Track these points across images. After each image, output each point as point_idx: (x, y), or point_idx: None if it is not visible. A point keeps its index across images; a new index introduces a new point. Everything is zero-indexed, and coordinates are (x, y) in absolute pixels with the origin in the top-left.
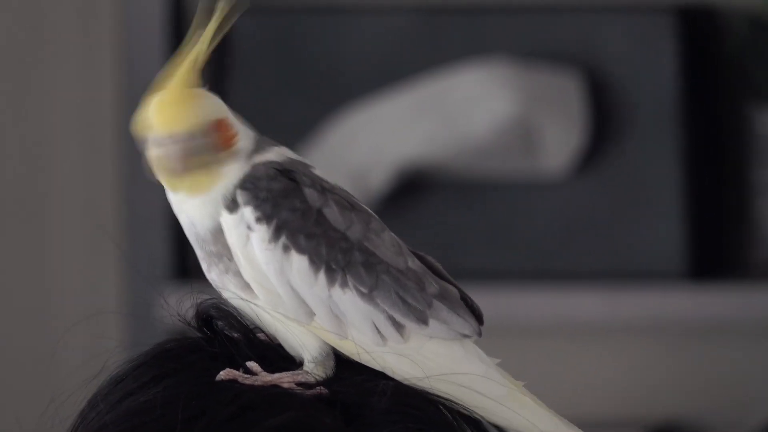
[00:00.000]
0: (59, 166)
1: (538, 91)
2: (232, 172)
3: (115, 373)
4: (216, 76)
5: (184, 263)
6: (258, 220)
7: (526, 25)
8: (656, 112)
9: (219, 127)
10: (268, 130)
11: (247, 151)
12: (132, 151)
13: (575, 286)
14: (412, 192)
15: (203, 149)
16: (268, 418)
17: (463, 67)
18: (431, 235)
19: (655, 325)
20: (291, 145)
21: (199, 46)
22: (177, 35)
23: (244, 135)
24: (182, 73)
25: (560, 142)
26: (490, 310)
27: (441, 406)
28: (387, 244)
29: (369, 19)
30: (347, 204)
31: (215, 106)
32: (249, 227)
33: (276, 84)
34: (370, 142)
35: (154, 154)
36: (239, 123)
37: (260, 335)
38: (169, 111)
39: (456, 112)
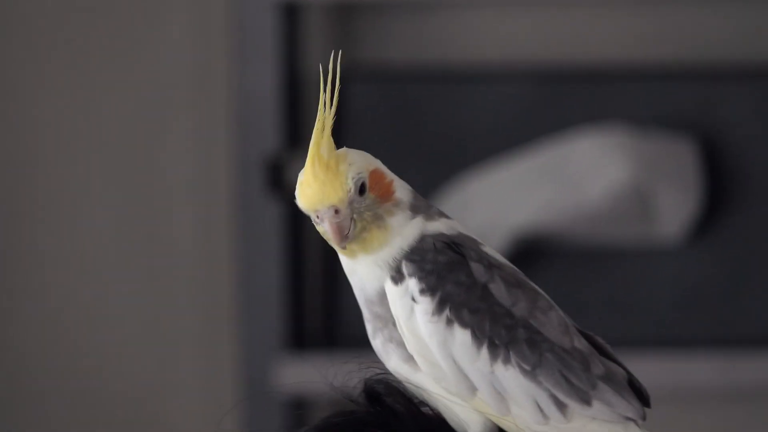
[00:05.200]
0: (175, 235)
1: (654, 158)
2: (407, 230)
3: None
4: (334, 142)
5: (300, 334)
6: (422, 292)
7: (642, 93)
8: None
9: (374, 179)
10: None
11: (408, 203)
12: (246, 221)
13: (691, 353)
14: (528, 259)
15: (367, 208)
16: None
17: (579, 134)
18: None
19: None
20: None
21: (320, 114)
22: (292, 106)
23: (399, 184)
24: (318, 143)
25: (675, 209)
26: None
27: None
28: (553, 322)
29: (485, 86)
30: (514, 281)
31: (363, 162)
32: (413, 299)
33: (393, 150)
34: (487, 209)
35: (320, 229)
36: (390, 171)
37: (425, 410)
38: (320, 186)
39: (572, 180)
